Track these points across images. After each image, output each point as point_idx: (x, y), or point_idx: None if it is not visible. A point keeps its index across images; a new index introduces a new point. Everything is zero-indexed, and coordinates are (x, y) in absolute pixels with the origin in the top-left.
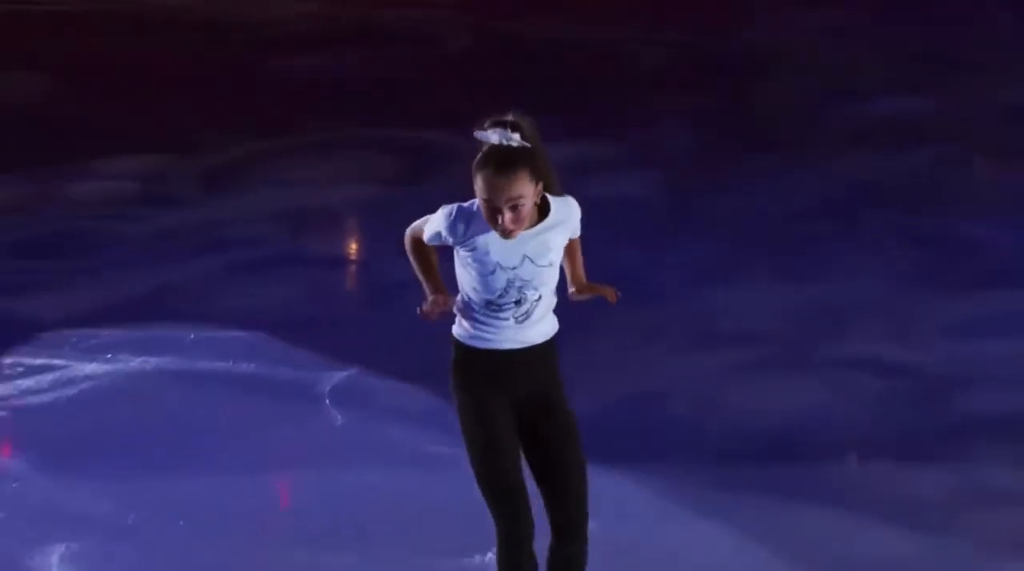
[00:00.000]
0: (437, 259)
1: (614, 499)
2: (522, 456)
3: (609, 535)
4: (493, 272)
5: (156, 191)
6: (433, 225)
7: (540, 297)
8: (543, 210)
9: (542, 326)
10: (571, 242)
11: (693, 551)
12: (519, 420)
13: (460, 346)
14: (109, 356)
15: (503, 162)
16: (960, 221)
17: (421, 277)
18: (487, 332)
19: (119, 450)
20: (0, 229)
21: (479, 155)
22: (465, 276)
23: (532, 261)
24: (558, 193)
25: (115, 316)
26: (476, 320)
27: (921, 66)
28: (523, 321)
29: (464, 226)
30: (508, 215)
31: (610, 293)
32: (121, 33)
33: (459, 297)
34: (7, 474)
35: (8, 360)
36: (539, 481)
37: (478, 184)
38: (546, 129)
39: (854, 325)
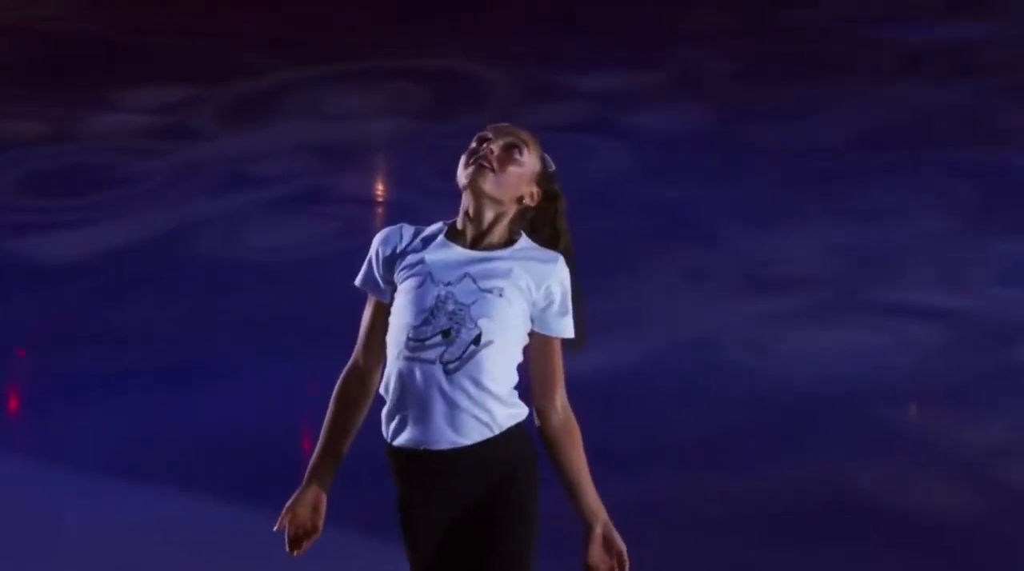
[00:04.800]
0: (358, 422)
1: (660, 450)
2: None
3: (654, 491)
4: (423, 284)
5: (179, 123)
6: (366, 262)
7: (480, 338)
8: (510, 240)
9: (483, 399)
10: (541, 345)
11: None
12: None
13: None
14: None
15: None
16: (1022, 156)
17: (321, 438)
18: (406, 401)
19: None
20: (12, 163)
21: None
22: (394, 314)
23: (474, 280)
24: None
25: (135, 255)
26: (393, 388)
27: None
28: (454, 371)
29: (406, 236)
30: (498, 147)
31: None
32: None
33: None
34: None
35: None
36: None
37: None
38: (580, 57)
39: (908, 269)
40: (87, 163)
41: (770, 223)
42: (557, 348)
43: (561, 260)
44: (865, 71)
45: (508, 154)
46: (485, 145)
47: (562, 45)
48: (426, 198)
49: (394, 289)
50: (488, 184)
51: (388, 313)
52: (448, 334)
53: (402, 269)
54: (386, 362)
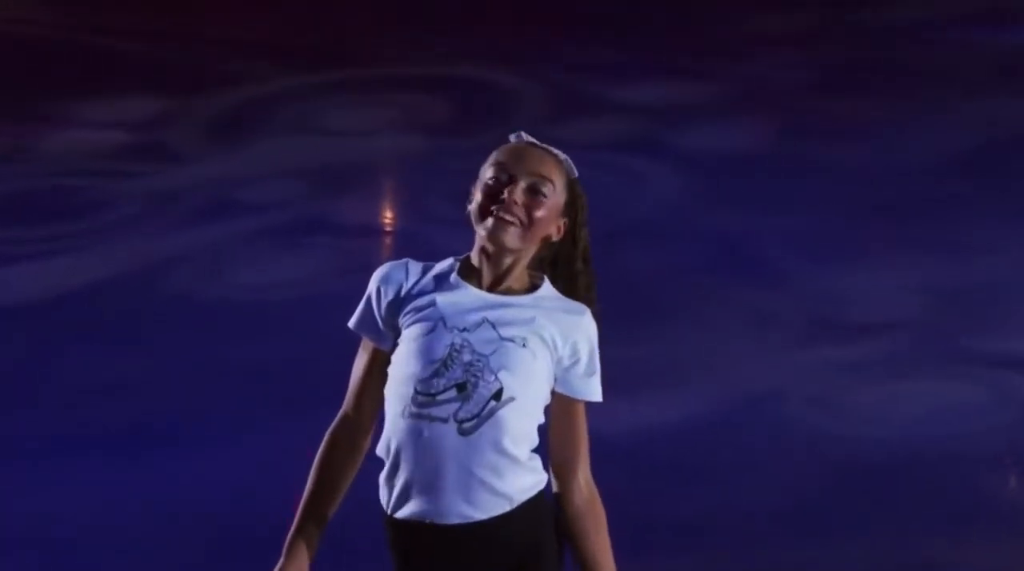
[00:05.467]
0: (345, 487)
1: (719, 521)
2: None
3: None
4: (434, 330)
5: (155, 142)
6: (364, 301)
7: (502, 393)
8: (532, 286)
9: (502, 467)
10: (564, 409)
11: None
12: None
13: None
14: None
15: (538, 143)
16: None
17: (302, 503)
18: (411, 465)
19: None
20: None
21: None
22: (396, 364)
23: (493, 327)
24: (581, 296)
25: (102, 296)
26: (395, 449)
27: None
28: (471, 431)
29: (413, 273)
30: (520, 192)
31: None
32: None
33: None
34: None
35: None
36: None
37: (490, 162)
38: (628, 68)
39: (1007, 312)
40: (42, 188)
41: (845, 258)
42: (582, 413)
43: (588, 313)
44: (956, 81)
45: (535, 200)
46: (507, 193)
47: (600, 50)
48: (439, 228)
49: (397, 335)
50: (513, 240)
51: (387, 363)
52: (464, 388)
53: (408, 312)
54: (382, 420)
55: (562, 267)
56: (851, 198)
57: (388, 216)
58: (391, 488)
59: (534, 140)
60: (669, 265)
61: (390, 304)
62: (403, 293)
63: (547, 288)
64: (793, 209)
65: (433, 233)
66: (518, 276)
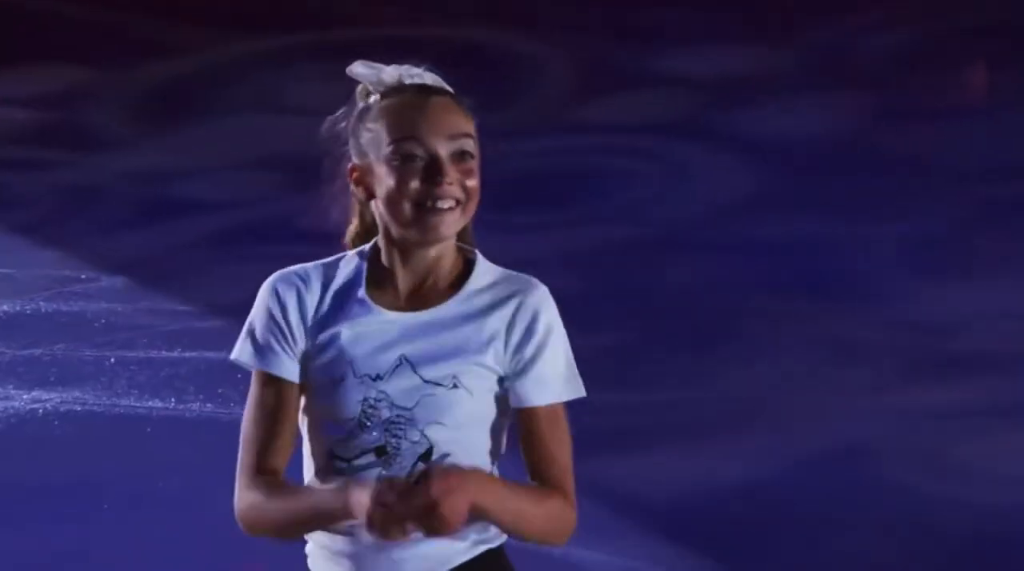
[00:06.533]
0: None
1: None
2: None
3: None
4: (343, 381)
5: (71, 122)
6: (254, 328)
7: (431, 453)
8: (461, 274)
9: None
10: (530, 425)
11: None
12: None
13: None
14: None
15: (436, 86)
16: None
17: (305, 513)
18: (335, 538)
19: None
20: None
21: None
22: (308, 413)
23: (414, 368)
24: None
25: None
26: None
27: None
28: None
29: (312, 289)
30: (453, 169)
31: None
32: None
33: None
34: None
35: None
36: None
37: (381, 124)
38: (673, 31)
39: None
40: None
41: (949, 274)
42: (554, 420)
43: (536, 290)
44: None
45: (465, 166)
46: (438, 174)
47: (639, 9)
48: None
49: (306, 364)
50: (451, 227)
51: (299, 396)
52: (383, 451)
53: (310, 351)
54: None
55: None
56: (956, 199)
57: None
58: (317, 560)
59: (427, 80)
60: (725, 283)
61: (293, 329)
62: (307, 316)
63: (480, 269)
64: (882, 213)
65: None
66: (446, 267)
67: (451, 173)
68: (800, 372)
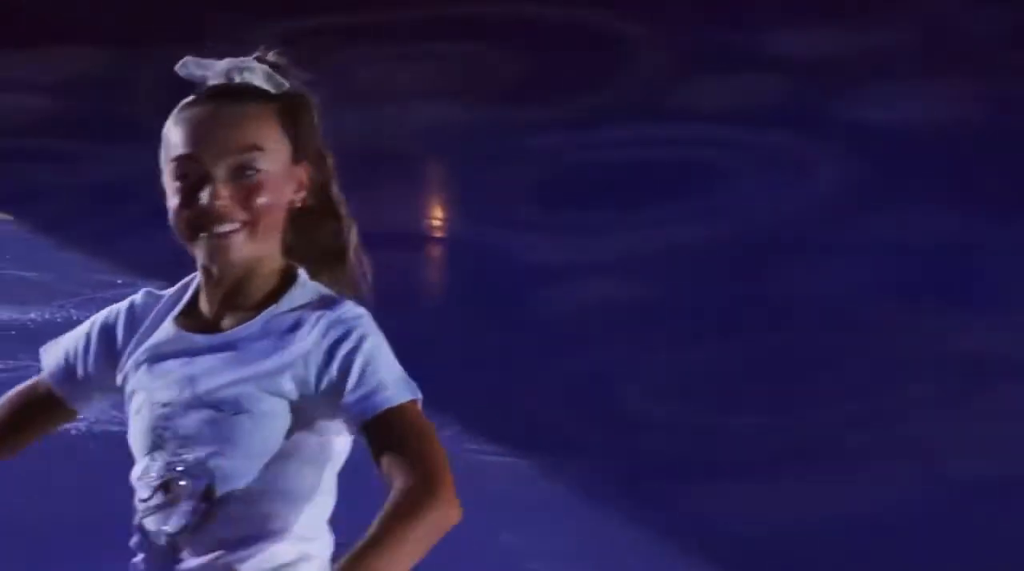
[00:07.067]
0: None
1: None
2: None
3: None
4: (139, 411)
5: (94, 112)
6: (76, 336)
7: (213, 492)
8: (274, 292)
9: None
10: (376, 436)
11: None
12: None
13: None
14: None
15: (230, 91)
16: None
17: None
18: None
19: None
20: None
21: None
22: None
23: (199, 395)
24: (343, 281)
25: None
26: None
27: None
28: (187, 556)
29: (150, 309)
30: (223, 186)
31: None
32: None
33: None
34: None
35: None
36: None
37: (166, 138)
38: (774, 9)
39: None
40: None
41: None
42: (396, 427)
43: (349, 311)
44: None
45: (247, 184)
46: (207, 197)
47: None
48: (502, 232)
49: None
50: (242, 250)
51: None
52: (169, 489)
53: (124, 378)
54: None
55: (316, 232)
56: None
57: (424, 217)
58: None
59: (252, 79)
60: (835, 290)
61: (106, 351)
62: (114, 354)
63: (296, 291)
64: (1020, 209)
65: (493, 239)
66: (259, 284)
67: (224, 192)
68: (923, 395)
